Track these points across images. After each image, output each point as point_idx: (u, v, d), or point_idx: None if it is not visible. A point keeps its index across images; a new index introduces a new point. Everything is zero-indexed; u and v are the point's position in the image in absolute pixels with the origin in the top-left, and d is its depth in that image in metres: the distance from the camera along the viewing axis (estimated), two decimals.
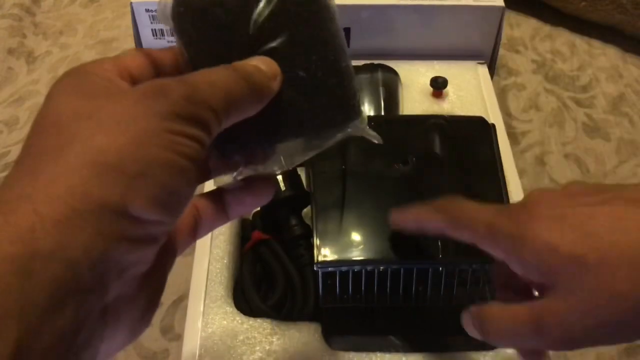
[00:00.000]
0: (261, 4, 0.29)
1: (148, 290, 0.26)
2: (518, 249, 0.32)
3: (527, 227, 0.32)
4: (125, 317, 0.25)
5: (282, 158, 0.31)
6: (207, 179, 0.31)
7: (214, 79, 0.27)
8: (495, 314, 0.34)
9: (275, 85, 0.29)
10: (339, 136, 0.31)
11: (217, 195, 0.32)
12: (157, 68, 0.29)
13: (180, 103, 0.25)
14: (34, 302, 0.20)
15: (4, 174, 0.66)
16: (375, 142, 0.32)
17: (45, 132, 0.24)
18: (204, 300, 0.48)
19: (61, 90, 0.26)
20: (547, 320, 0.31)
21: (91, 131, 0.24)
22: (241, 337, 0.46)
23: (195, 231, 0.31)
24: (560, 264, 0.31)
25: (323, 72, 0.30)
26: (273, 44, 0.29)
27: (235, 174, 0.30)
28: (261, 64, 0.29)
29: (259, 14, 0.29)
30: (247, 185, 0.32)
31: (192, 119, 0.25)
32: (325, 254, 0.42)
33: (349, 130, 0.31)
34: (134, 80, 0.28)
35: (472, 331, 0.36)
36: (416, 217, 0.39)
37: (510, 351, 0.44)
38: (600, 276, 0.29)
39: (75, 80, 0.26)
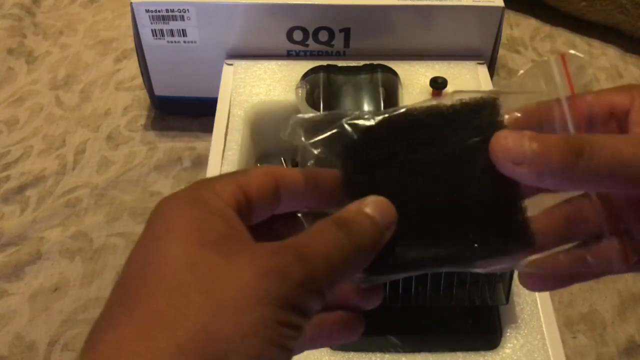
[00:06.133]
0: None
1: None
2: None
3: None
4: None
5: None
6: None
7: (328, 252, 0.25)
8: (605, 138, 0.25)
9: (388, 235, 0.27)
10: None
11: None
12: (280, 188, 0.27)
13: (296, 291, 0.23)
14: None
15: (4, 174, 0.66)
16: None
17: (146, 282, 0.23)
18: None
19: (175, 226, 0.24)
20: None
21: (201, 305, 0.22)
22: None
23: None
24: None
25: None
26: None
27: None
28: (377, 213, 0.27)
29: None
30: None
31: (301, 309, 0.24)
32: None
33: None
34: (250, 204, 0.26)
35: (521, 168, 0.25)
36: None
37: (510, 351, 0.44)
38: None
39: (192, 215, 0.24)
